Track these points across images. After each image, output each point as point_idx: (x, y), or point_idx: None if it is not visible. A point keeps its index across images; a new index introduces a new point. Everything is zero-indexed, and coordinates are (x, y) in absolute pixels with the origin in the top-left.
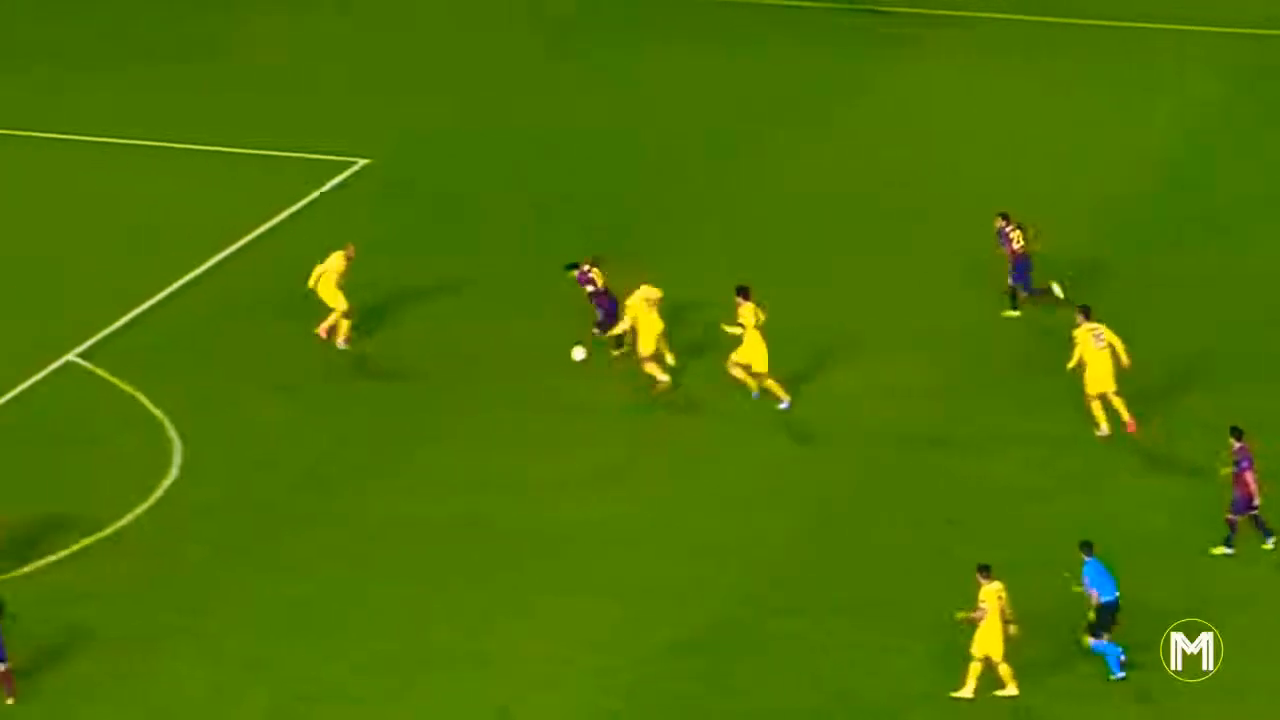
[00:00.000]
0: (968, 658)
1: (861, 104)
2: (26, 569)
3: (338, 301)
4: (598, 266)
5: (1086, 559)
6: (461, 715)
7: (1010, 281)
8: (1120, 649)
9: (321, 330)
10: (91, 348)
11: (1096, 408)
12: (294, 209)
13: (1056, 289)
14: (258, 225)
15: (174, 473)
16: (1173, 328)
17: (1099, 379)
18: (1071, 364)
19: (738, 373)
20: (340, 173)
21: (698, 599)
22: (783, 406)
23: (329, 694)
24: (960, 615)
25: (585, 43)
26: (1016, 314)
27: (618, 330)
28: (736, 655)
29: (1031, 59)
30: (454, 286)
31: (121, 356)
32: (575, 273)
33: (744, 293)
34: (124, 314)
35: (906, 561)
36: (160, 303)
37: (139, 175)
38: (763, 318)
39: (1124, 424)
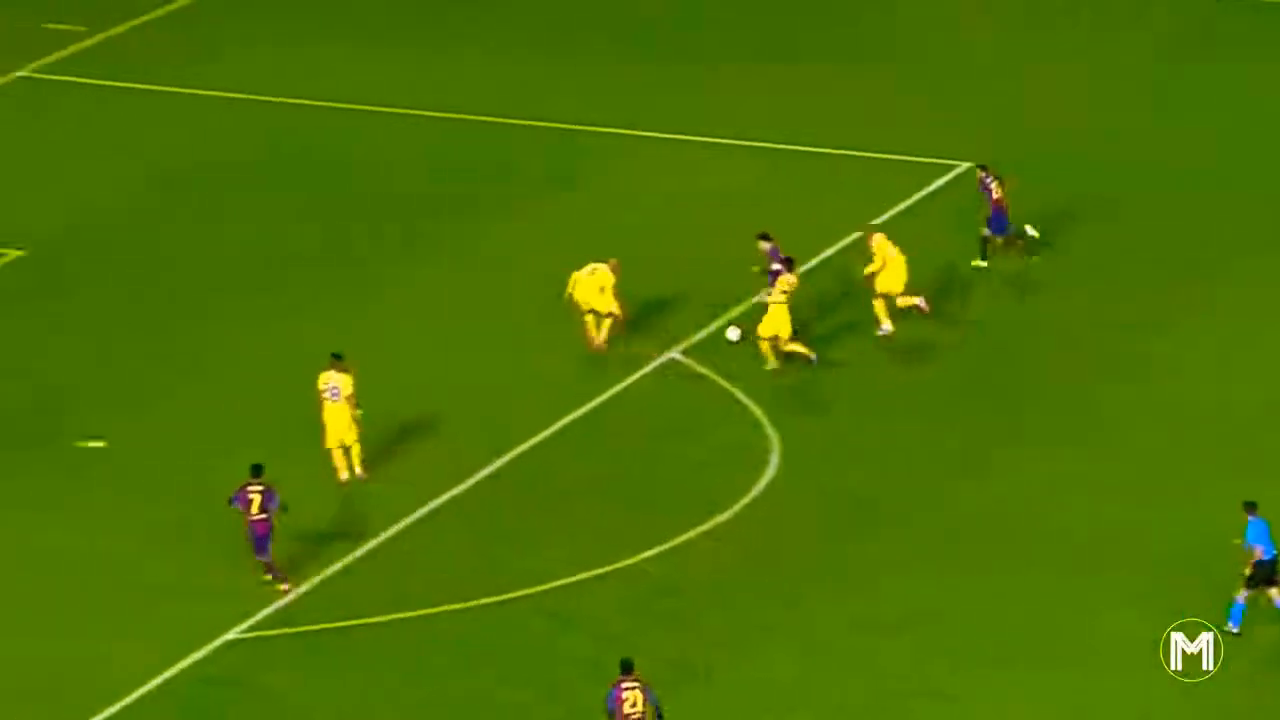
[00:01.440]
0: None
1: None
2: (627, 561)
3: (612, 306)
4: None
5: (1251, 518)
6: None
7: (987, 231)
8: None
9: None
10: (692, 345)
11: (880, 306)
12: (894, 210)
13: (1030, 229)
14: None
15: (771, 469)
16: None
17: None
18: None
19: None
20: (942, 175)
21: None
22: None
23: (924, 690)
24: None
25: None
26: (985, 264)
27: None
28: None
29: None
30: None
31: (721, 353)
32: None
33: (788, 263)
34: (725, 311)
35: None
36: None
37: (750, 174)
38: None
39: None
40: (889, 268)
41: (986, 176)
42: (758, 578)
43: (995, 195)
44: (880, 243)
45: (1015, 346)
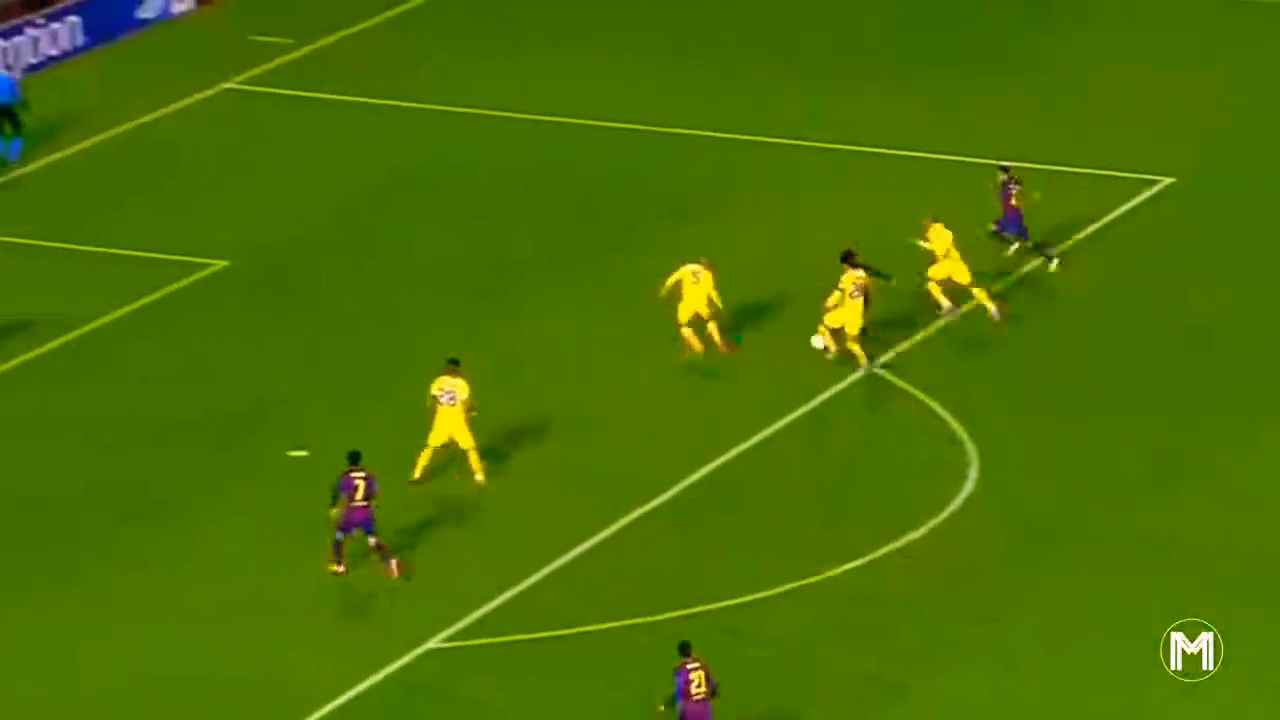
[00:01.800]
0: None
1: None
2: (824, 575)
3: (717, 304)
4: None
5: None
6: None
7: (1001, 230)
8: None
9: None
10: (892, 359)
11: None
12: (1098, 224)
13: (1054, 258)
14: (1059, 240)
15: (969, 484)
16: None
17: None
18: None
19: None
20: (1144, 191)
21: None
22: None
23: (1121, 708)
24: None
25: None
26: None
27: None
28: None
29: None
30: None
31: (920, 368)
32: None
33: (849, 259)
34: (926, 326)
35: None
36: (962, 316)
37: (946, 188)
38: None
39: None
40: (951, 257)
41: (1010, 182)
42: (953, 593)
43: (1014, 201)
44: (939, 232)
45: (1248, 353)
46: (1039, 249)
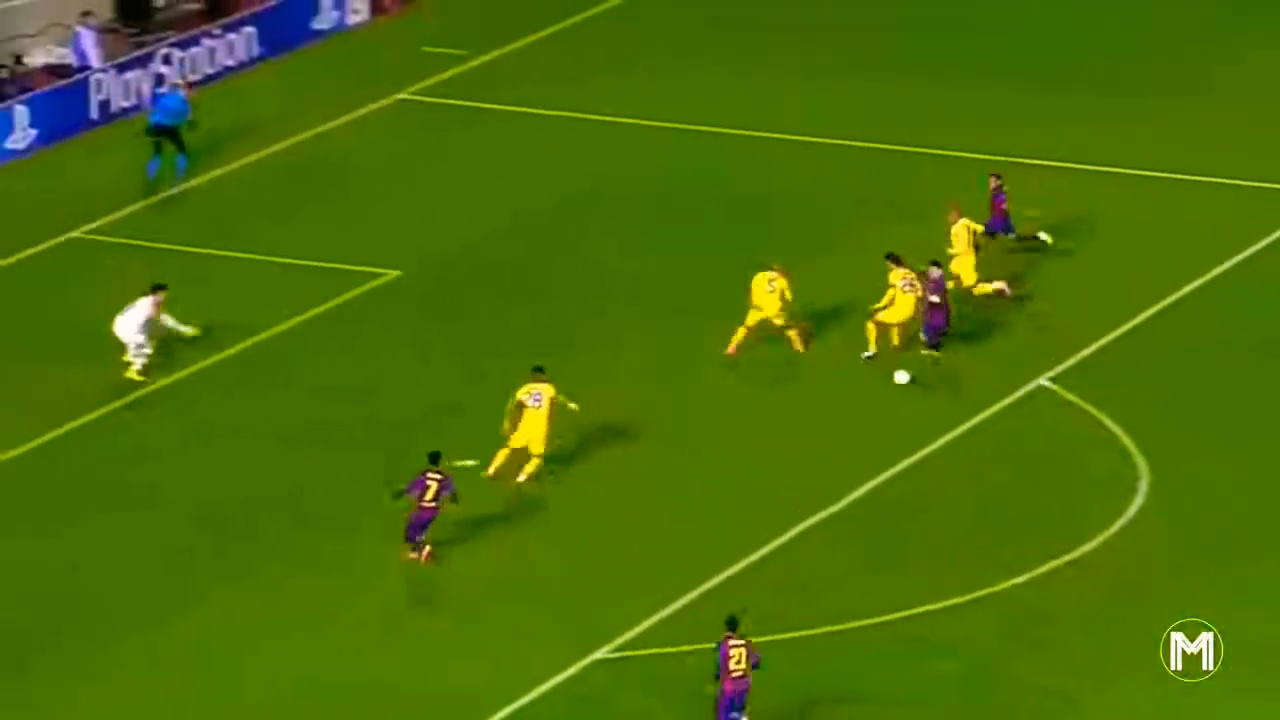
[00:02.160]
0: None
1: None
2: (994, 588)
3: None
4: None
5: None
6: None
7: (990, 232)
8: None
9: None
10: (1062, 372)
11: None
12: (1268, 241)
13: (1044, 236)
14: (1231, 256)
15: (1140, 498)
16: None
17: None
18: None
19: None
20: None
21: None
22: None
23: None
24: None
25: None
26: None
27: None
28: None
29: None
30: None
31: (1090, 381)
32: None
33: (894, 259)
34: (1095, 340)
35: None
36: (1132, 330)
37: (1113, 201)
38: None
39: None
40: (962, 257)
41: (1000, 189)
42: (1123, 607)
43: (1004, 205)
44: (960, 229)
45: None
46: (1023, 240)
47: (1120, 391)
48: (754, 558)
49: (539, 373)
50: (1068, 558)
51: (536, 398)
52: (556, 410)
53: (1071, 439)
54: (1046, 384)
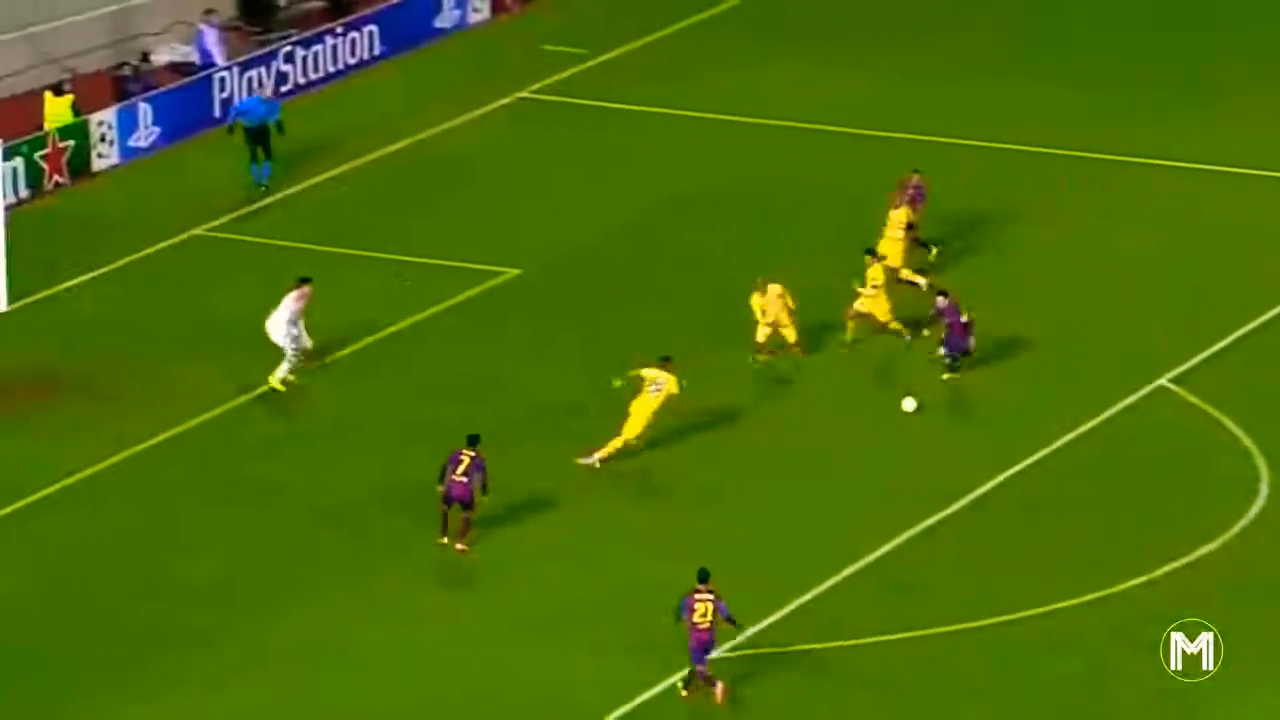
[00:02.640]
0: None
1: None
2: (1115, 589)
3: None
4: None
5: None
6: None
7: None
8: None
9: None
10: (1183, 373)
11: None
12: None
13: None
14: None
15: (1261, 500)
16: None
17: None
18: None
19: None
20: None
21: None
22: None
23: None
24: None
25: None
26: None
27: None
28: None
29: None
30: None
31: (1211, 382)
32: None
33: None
34: (1217, 340)
35: None
36: (1253, 331)
37: (1238, 201)
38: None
39: None
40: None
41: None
42: (1244, 610)
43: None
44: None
45: None
46: (921, 243)
47: (1242, 393)
48: (873, 556)
49: (666, 362)
50: (1189, 559)
51: (657, 386)
52: (667, 403)
53: (1193, 440)
54: (1168, 385)
